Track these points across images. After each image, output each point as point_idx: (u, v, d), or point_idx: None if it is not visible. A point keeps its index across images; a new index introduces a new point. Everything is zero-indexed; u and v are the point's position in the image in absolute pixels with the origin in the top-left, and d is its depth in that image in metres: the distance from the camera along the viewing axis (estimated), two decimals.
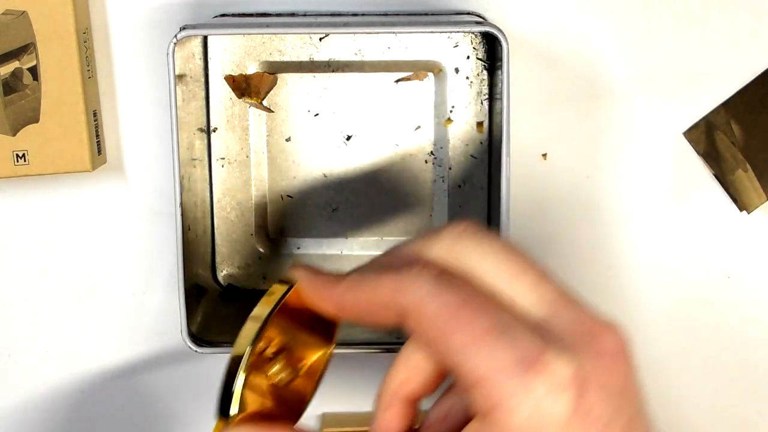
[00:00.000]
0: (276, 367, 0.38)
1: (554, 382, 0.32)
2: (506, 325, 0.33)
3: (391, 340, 0.51)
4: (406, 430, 0.38)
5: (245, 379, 0.37)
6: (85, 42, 0.53)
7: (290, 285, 0.38)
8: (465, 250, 0.35)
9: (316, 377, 0.40)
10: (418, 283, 0.34)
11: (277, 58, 0.55)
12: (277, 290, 0.38)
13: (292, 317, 0.38)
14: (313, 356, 0.39)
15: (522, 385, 0.32)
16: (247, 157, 0.56)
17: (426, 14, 0.54)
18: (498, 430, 0.32)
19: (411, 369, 0.37)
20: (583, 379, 0.32)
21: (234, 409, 0.37)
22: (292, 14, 0.54)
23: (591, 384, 0.32)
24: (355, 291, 0.36)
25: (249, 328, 0.37)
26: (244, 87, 0.55)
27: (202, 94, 0.55)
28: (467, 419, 0.37)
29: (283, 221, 0.57)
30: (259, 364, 0.37)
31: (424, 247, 0.36)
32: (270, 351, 0.38)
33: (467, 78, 0.55)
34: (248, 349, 0.37)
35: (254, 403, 0.37)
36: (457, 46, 0.55)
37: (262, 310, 0.37)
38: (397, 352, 0.37)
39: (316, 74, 0.55)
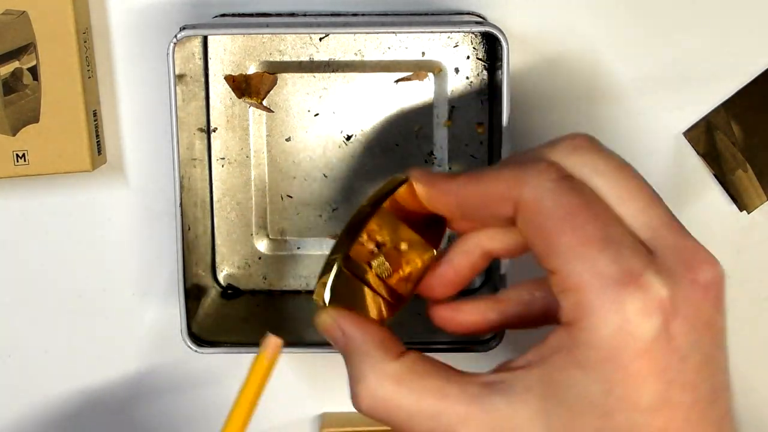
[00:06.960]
0: (376, 261, 0.38)
1: (647, 302, 0.32)
2: (614, 239, 0.33)
3: None
4: (467, 278, 0.39)
5: (345, 266, 0.37)
6: (85, 42, 0.53)
7: (403, 180, 0.38)
8: (580, 162, 0.35)
9: (414, 280, 0.40)
10: (541, 178, 0.34)
11: (277, 58, 0.55)
12: (389, 185, 0.38)
13: (399, 215, 0.38)
14: (415, 258, 0.39)
15: (616, 298, 0.32)
16: (247, 157, 0.56)
17: (426, 14, 0.54)
18: (582, 341, 0.32)
19: (502, 231, 0.38)
20: (674, 306, 0.32)
21: (328, 295, 0.37)
22: (292, 14, 0.54)
23: (679, 312, 0.32)
24: (475, 182, 0.36)
25: (356, 216, 0.38)
26: (244, 87, 0.55)
27: (202, 94, 0.55)
28: (545, 318, 0.37)
29: (283, 221, 0.57)
30: (360, 254, 0.38)
31: (543, 153, 0.36)
32: (372, 244, 0.38)
33: (467, 78, 0.55)
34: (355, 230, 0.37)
35: (350, 292, 0.38)
36: (457, 46, 0.55)
37: (370, 201, 0.38)
38: None
39: (316, 74, 0.55)
